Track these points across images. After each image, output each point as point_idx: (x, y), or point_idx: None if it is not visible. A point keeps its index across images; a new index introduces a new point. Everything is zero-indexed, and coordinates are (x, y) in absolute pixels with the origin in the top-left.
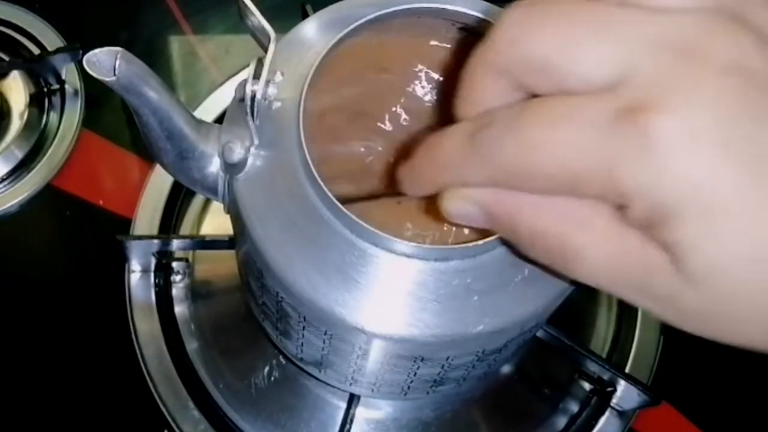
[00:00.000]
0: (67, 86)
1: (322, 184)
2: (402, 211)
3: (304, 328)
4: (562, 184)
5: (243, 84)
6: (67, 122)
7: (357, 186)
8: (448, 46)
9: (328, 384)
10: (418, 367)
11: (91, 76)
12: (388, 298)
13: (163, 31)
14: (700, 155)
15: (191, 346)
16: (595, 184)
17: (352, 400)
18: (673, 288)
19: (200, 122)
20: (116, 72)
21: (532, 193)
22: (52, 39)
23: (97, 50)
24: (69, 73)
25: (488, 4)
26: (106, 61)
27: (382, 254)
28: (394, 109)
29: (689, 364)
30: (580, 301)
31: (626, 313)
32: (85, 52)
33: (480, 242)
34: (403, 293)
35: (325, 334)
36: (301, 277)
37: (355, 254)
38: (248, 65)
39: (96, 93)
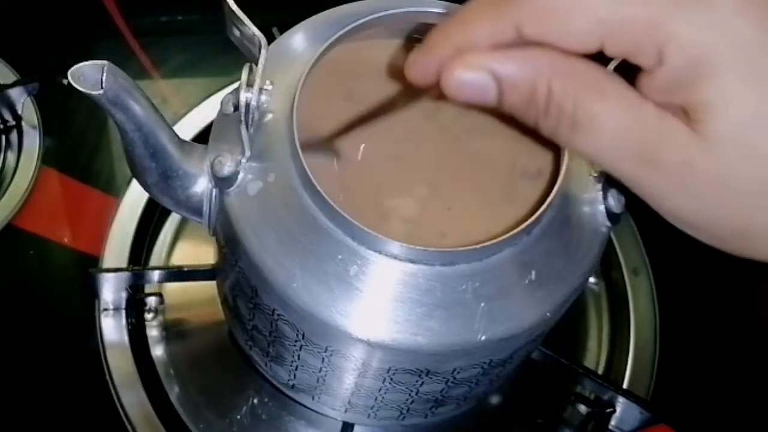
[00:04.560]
0: (23, 122)
1: (323, 192)
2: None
3: (301, 347)
4: (602, 29)
5: (230, 98)
6: (26, 160)
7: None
8: None
9: (320, 413)
10: (421, 383)
11: (49, 111)
12: (393, 307)
13: (119, 64)
14: (753, 20)
15: (169, 386)
16: (637, 31)
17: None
18: (686, 153)
19: (183, 141)
20: (103, 85)
21: (558, 43)
22: (5, 74)
23: (81, 64)
24: (26, 108)
25: None
26: (92, 75)
27: (385, 261)
28: (386, 113)
29: (687, 383)
30: (570, 325)
31: (619, 333)
32: (41, 86)
33: (487, 243)
34: (408, 301)
35: (325, 351)
36: (301, 290)
37: (357, 262)
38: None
39: (54, 128)
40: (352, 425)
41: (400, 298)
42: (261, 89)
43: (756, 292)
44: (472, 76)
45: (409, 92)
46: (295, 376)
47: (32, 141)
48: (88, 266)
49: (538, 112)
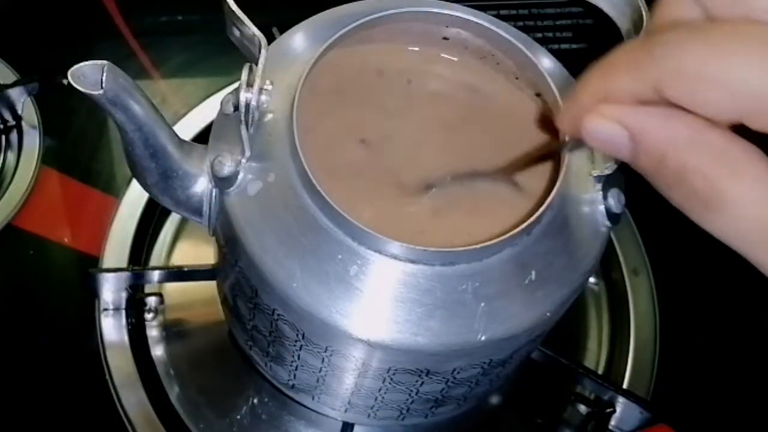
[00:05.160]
0: (23, 122)
1: (323, 192)
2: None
3: (301, 347)
4: (745, 103)
5: (229, 98)
6: (26, 160)
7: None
8: (436, 52)
9: (320, 413)
10: (421, 383)
11: (49, 111)
12: (393, 307)
13: (119, 64)
14: None
15: (169, 386)
16: None
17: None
18: None
19: (183, 141)
20: (103, 85)
21: (696, 111)
22: (5, 74)
23: (81, 64)
24: (26, 108)
25: (473, 10)
26: (92, 75)
27: (385, 261)
28: (386, 113)
29: (687, 383)
30: (570, 325)
31: (619, 333)
32: (41, 86)
33: (487, 243)
34: (408, 301)
35: (325, 351)
36: (302, 290)
37: (357, 263)
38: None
39: (54, 128)
40: (352, 425)
41: (400, 298)
42: (261, 89)
43: (756, 292)
44: (605, 127)
45: (409, 92)
46: (295, 376)
47: (32, 141)
48: (88, 266)
49: (668, 183)
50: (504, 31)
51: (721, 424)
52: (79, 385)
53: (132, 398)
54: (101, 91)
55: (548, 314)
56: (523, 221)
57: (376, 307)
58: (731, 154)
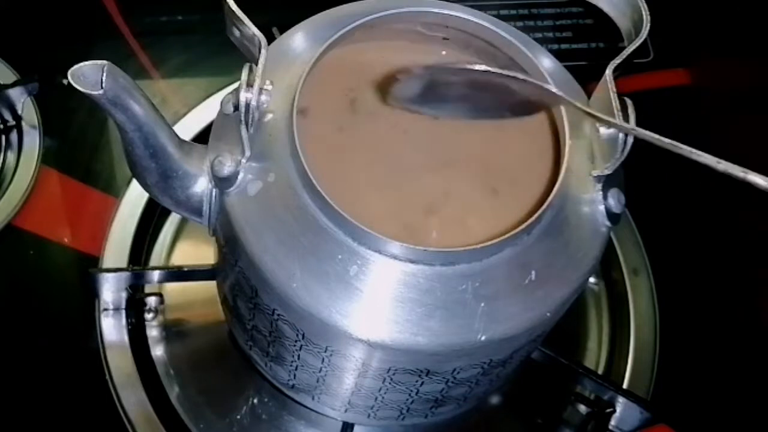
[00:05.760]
0: (23, 122)
1: (323, 192)
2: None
3: (301, 347)
4: None
5: (230, 98)
6: (26, 160)
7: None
8: (436, 52)
9: (320, 413)
10: (421, 383)
11: (49, 111)
12: (393, 307)
13: (119, 64)
14: None
15: (169, 386)
16: None
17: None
18: None
19: (183, 141)
20: (103, 85)
21: None
22: (5, 74)
23: (81, 64)
24: (26, 108)
25: (473, 10)
26: (92, 75)
27: (385, 261)
28: (386, 112)
29: (687, 383)
30: (570, 325)
31: (619, 333)
32: (41, 86)
33: (488, 243)
34: (408, 301)
35: (325, 351)
36: (302, 290)
37: (357, 263)
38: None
39: (54, 128)
40: (352, 425)
41: (400, 298)
42: (261, 89)
43: (756, 292)
44: None
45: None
46: (295, 376)
47: (32, 141)
48: (88, 266)
49: None
50: (504, 31)
51: (721, 424)
52: (79, 385)
53: (132, 398)
54: (101, 91)
55: (548, 314)
56: (523, 221)
57: (376, 307)
58: None
